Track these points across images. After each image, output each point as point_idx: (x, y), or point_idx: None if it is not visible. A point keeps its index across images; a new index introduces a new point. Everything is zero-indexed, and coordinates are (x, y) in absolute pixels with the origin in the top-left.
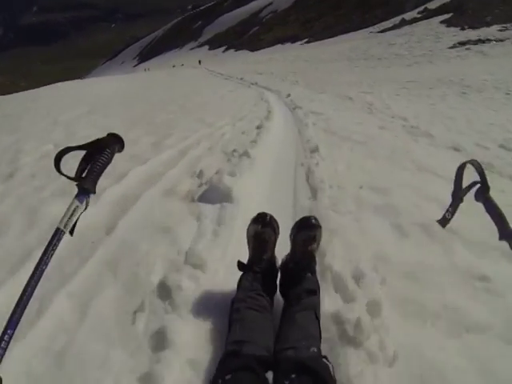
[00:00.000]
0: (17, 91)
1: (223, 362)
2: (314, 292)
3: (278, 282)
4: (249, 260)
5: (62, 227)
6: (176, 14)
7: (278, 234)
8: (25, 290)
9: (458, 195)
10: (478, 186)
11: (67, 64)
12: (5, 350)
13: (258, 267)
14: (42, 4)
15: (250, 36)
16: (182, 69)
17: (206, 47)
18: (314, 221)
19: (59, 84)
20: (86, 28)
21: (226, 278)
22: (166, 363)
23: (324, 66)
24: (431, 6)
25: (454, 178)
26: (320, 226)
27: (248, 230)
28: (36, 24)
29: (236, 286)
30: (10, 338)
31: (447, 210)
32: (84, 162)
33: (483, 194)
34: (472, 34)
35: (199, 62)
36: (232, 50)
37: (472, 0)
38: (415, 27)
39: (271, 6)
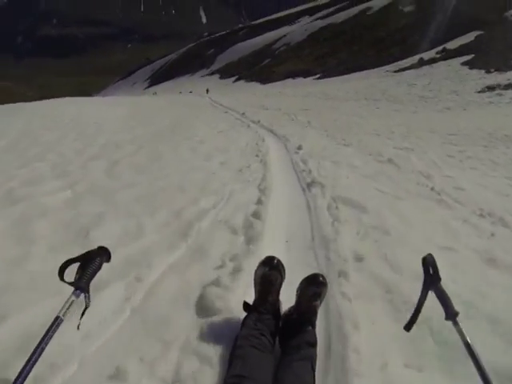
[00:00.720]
0: (15, 101)
1: None
2: (313, 345)
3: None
4: (255, 300)
5: (60, 315)
6: (192, 40)
7: (284, 277)
8: (20, 373)
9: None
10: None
11: (81, 79)
12: None
13: (262, 308)
14: (61, 17)
15: (261, 67)
16: (187, 96)
17: (217, 76)
18: (321, 279)
19: (51, 101)
20: (103, 45)
21: None
22: None
23: (340, 105)
24: (450, 46)
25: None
26: (326, 285)
27: (256, 271)
28: (54, 36)
29: (240, 323)
30: None
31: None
32: (80, 269)
33: (435, 284)
34: (501, 78)
35: (207, 90)
36: (242, 81)
37: (494, 41)
38: (435, 68)
39: (285, 39)
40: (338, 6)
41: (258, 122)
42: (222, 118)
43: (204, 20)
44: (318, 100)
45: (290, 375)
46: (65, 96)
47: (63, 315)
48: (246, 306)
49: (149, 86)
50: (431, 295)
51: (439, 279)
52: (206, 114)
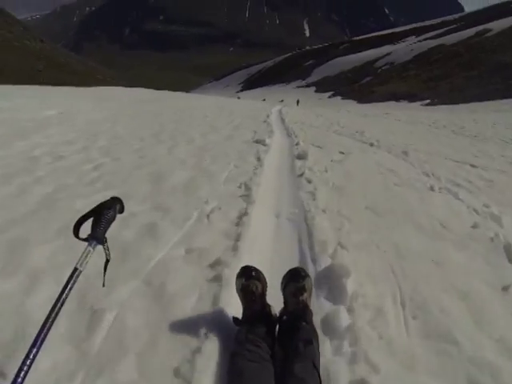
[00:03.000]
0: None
1: None
2: (311, 342)
3: (276, 334)
4: (242, 314)
5: (78, 267)
6: (293, 51)
7: (266, 284)
8: (42, 328)
9: None
10: None
11: (180, 75)
12: (26, 373)
13: (251, 319)
14: (168, 14)
15: (360, 85)
16: (271, 104)
17: (313, 88)
18: (301, 272)
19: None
20: (205, 46)
21: None
22: None
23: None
24: None
25: None
26: (308, 276)
27: (236, 284)
28: (159, 31)
29: (234, 339)
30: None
31: None
32: (94, 223)
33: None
34: None
35: (297, 102)
36: (339, 97)
37: None
38: None
39: (389, 57)
40: (448, 28)
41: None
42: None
43: (307, 33)
44: (445, 133)
45: (292, 380)
46: (163, 89)
47: (81, 266)
48: (235, 320)
49: (241, 90)
50: None
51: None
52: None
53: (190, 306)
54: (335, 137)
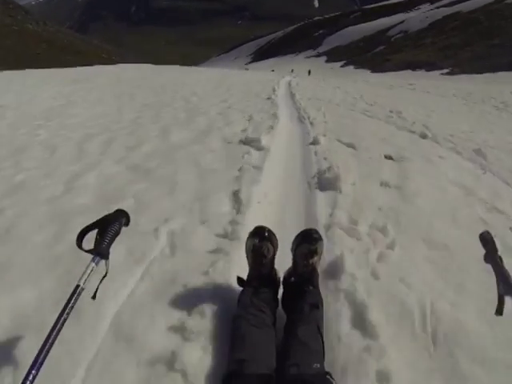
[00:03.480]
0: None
1: (225, 383)
2: (317, 306)
3: (279, 297)
4: (248, 275)
5: (81, 284)
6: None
7: (277, 247)
8: (46, 341)
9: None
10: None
11: (188, 49)
12: None
13: (257, 282)
14: None
15: (373, 54)
16: (280, 75)
17: (324, 58)
18: (315, 234)
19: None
20: (212, 20)
21: None
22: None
23: None
24: None
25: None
26: (321, 239)
27: (246, 244)
28: (166, 8)
29: (237, 300)
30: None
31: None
32: (98, 235)
33: (492, 257)
34: None
35: (309, 72)
36: (351, 67)
37: None
38: None
39: (401, 25)
40: None
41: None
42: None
43: (316, 4)
44: (491, 109)
45: (296, 343)
46: (172, 63)
47: (84, 284)
48: (240, 280)
49: (250, 62)
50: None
51: (496, 252)
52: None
53: None
54: (367, 122)
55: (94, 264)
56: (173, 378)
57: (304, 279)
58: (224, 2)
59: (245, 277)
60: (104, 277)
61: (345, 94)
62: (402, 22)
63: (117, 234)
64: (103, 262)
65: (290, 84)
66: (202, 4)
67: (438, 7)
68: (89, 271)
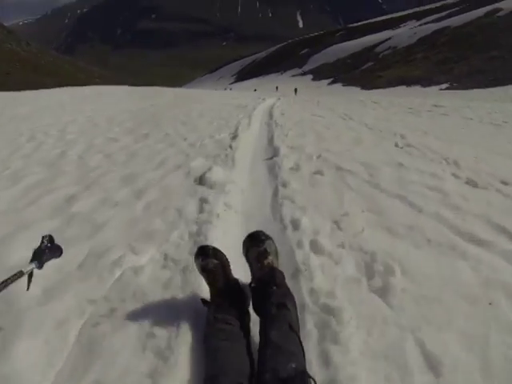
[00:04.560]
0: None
1: None
2: (284, 304)
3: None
4: (210, 294)
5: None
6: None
7: (226, 260)
8: None
9: None
10: None
11: (174, 71)
12: None
13: (218, 298)
14: (160, 12)
15: (362, 71)
16: (260, 96)
17: (310, 76)
18: (261, 236)
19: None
20: (198, 41)
21: None
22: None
23: None
24: None
25: None
26: (269, 238)
27: (195, 266)
28: (152, 30)
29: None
30: None
31: None
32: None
33: None
34: None
35: (295, 90)
36: (339, 84)
37: None
38: None
39: (389, 42)
40: (450, 10)
41: None
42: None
43: (300, 25)
44: None
45: (269, 348)
46: (158, 85)
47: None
48: (204, 302)
49: (234, 82)
50: None
51: None
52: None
53: None
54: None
55: (32, 267)
56: None
57: (264, 281)
58: (209, 23)
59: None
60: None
61: (370, 134)
62: (389, 38)
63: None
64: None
65: (271, 113)
66: (188, 26)
67: (425, 23)
68: (26, 271)
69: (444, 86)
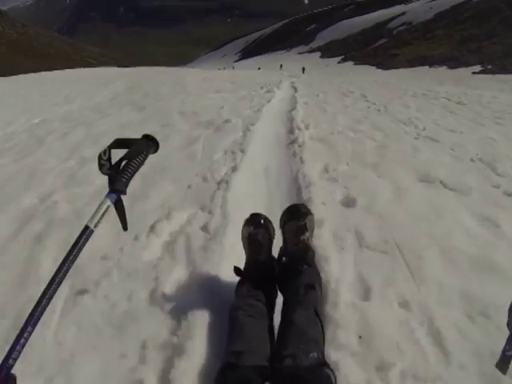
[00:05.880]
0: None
1: (221, 375)
2: (313, 286)
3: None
4: (245, 263)
5: (91, 226)
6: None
7: (274, 234)
8: (47, 289)
9: None
10: None
11: (178, 49)
12: (23, 347)
13: (254, 271)
14: None
15: (375, 48)
16: (266, 76)
17: (318, 54)
18: (303, 209)
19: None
20: (202, 18)
21: None
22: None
23: None
24: None
25: None
26: (310, 213)
27: (242, 232)
28: (155, 8)
29: (235, 289)
30: (29, 335)
31: (505, 347)
32: (121, 166)
33: None
34: None
35: (303, 69)
36: (350, 63)
37: None
38: None
39: (403, 17)
40: None
41: None
42: None
43: (306, 1)
44: None
45: (292, 331)
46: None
47: (95, 226)
48: (237, 270)
49: (239, 59)
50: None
51: None
52: None
53: None
54: None
55: (109, 202)
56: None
57: (297, 258)
58: (213, 0)
59: (242, 266)
60: (123, 210)
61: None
62: (402, 13)
63: (140, 165)
64: (117, 197)
65: (291, 115)
66: (191, 3)
67: None
68: (102, 211)
69: (476, 68)
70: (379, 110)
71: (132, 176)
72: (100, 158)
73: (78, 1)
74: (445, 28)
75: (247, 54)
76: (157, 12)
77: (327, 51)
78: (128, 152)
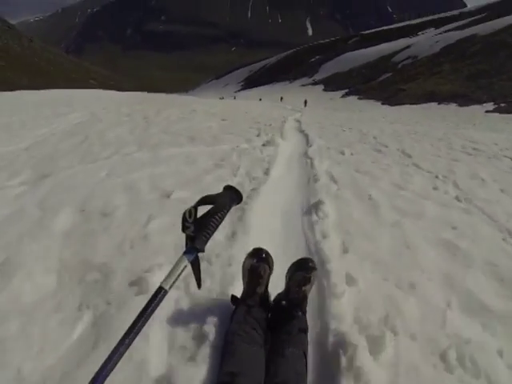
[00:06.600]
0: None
1: None
2: (305, 331)
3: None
4: (243, 293)
5: (166, 287)
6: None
7: (272, 269)
8: (117, 348)
9: None
10: None
11: (181, 75)
12: None
13: (251, 301)
14: (170, 15)
15: (380, 83)
16: (262, 106)
17: (321, 87)
18: (310, 263)
19: None
20: (207, 46)
21: None
22: None
23: None
24: None
25: None
26: (316, 269)
27: (244, 263)
28: (161, 32)
29: (230, 317)
30: None
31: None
32: (203, 217)
33: None
34: None
35: (305, 102)
36: (354, 97)
37: None
38: None
39: (408, 50)
40: (472, 18)
41: None
42: None
43: (310, 32)
44: None
45: (283, 365)
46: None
47: (169, 287)
48: (234, 299)
49: (241, 89)
50: None
51: None
52: None
53: None
54: None
55: (186, 262)
56: None
57: (295, 304)
58: (219, 28)
59: (239, 296)
60: (198, 268)
61: None
62: (407, 46)
63: (222, 221)
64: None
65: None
66: (197, 29)
67: (446, 31)
68: (178, 271)
69: (489, 106)
70: (459, 200)
71: (212, 234)
72: (185, 219)
73: (86, 19)
74: (452, 63)
75: (250, 83)
76: (162, 36)
77: (331, 84)
78: (212, 208)
